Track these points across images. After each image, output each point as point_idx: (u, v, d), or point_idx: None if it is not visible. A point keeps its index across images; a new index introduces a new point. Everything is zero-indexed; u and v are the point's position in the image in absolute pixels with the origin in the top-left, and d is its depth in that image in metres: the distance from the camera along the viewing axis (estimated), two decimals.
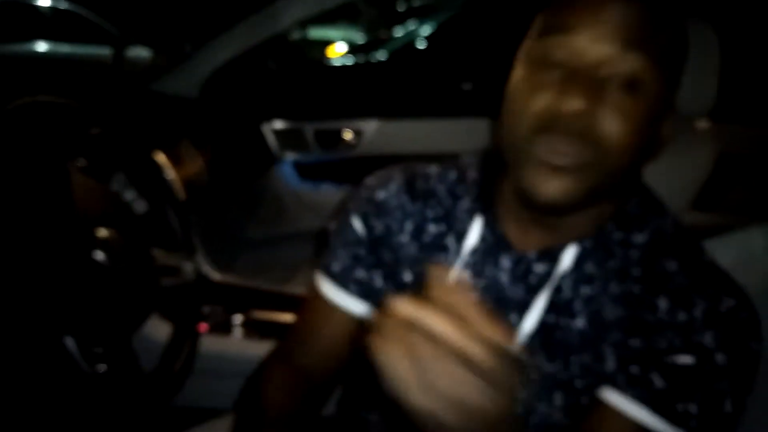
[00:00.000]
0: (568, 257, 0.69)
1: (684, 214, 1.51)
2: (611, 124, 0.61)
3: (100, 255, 1.05)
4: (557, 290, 0.70)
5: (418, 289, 0.70)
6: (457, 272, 0.74)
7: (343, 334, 0.82)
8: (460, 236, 0.76)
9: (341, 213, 0.85)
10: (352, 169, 2.20)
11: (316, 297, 0.84)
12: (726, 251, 1.00)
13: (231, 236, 1.99)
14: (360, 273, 0.81)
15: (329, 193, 2.17)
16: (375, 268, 0.81)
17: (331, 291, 0.83)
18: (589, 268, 0.69)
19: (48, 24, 6.31)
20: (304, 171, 2.23)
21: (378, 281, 0.81)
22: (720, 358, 0.64)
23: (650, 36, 0.62)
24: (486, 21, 3.49)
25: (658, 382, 0.65)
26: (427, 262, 0.73)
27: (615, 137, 0.62)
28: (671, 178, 1.43)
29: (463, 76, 2.45)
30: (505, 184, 0.74)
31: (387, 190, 0.81)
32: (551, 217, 0.69)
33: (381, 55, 4.23)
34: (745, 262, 0.97)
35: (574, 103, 0.61)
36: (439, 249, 0.77)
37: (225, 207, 1.93)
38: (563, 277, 0.70)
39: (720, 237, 1.02)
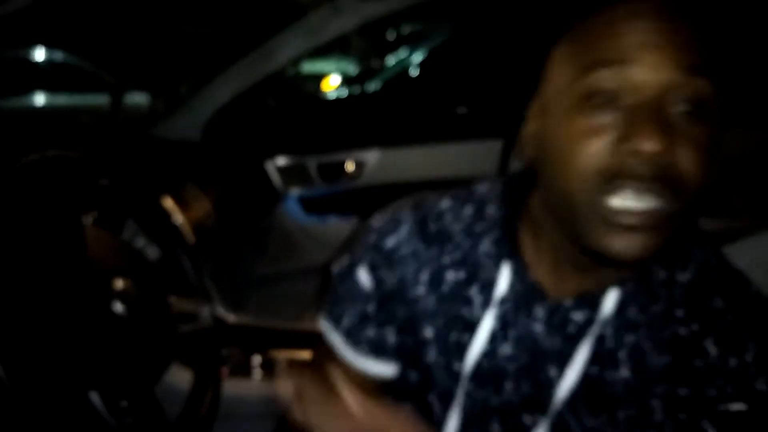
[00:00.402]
0: (609, 303, 0.63)
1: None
2: (690, 161, 0.54)
3: (118, 306, 1.05)
4: (599, 340, 0.63)
5: (441, 345, 0.69)
6: (488, 324, 0.67)
7: (361, 390, 0.72)
8: (486, 286, 0.68)
9: (346, 260, 0.77)
10: (357, 200, 2.21)
11: (324, 351, 0.77)
12: (740, 257, 1.00)
13: (241, 276, 1.99)
14: (370, 331, 0.74)
15: (336, 226, 2.17)
16: (387, 323, 0.73)
17: (343, 350, 0.75)
18: (632, 313, 0.63)
19: (44, 76, 6.39)
20: (309, 205, 2.23)
21: (391, 337, 0.73)
22: None
23: (710, 56, 0.56)
24: (476, 45, 3.54)
25: (710, 429, 0.60)
26: (448, 315, 0.69)
27: (693, 174, 0.54)
28: None
29: (457, 100, 2.49)
30: (535, 223, 0.67)
31: (397, 235, 0.73)
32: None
33: (375, 85, 4.28)
34: (760, 266, 0.97)
35: (650, 144, 0.52)
36: (461, 300, 0.69)
37: (233, 247, 1.94)
38: (605, 324, 0.63)
39: (734, 243, 1.02)
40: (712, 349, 0.61)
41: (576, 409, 0.64)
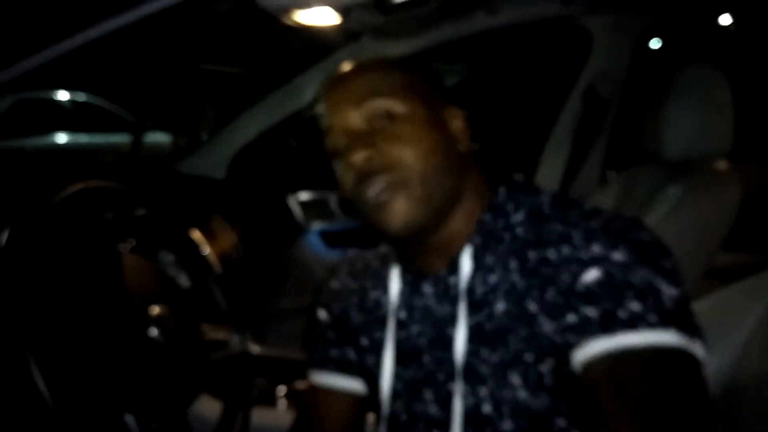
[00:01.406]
0: (466, 261, 0.78)
1: (715, 256, 1.52)
2: (389, 146, 0.76)
3: (154, 332, 1.07)
4: (471, 291, 0.78)
5: (376, 349, 0.87)
6: (395, 316, 0.85)
7: (341, 412, 0.94)
8: (386, 288, 0.87)
9: (311, 311, 1.01)
10: (377, 234, 2.23)
11: (309, 388, 0.97)
12: (758, 292, 1.01)
13: (264, 308, 2.00)
14: (334, 352, 0.95)
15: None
16: (344, 344, 0.94)
17: (316, 376, 0.96)
18: (488, 259, 0.78)
19: (67, 116, 6.55)
20: (330, 239, 2.26)
21: (351, 354, 0.93)
22: (617, 255, 0.69)
23: (372, 85, 0.79)
24: (491, 84, 3.62)
25: (591, 312, 0.68)
26: (371, 321, 0.89)
27: (396, 153, 0.76)
28: (700, 221, 1.46)
29: (472, 137, 2.53)
30: None
31: (338, 279, 0.97)
32: (434, 236, 0.79)
33: None
34: None
35: (357, 155, 0.76)
36: (376, 308, 0.88)
37: (257, 280, 1.96)
38: (470, 277, 0.78)
39: (753, 276, 1.03)
40: (551, 253, 0.74)
41: (476, 353, 0.76)
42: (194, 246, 1.40)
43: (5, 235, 0.96)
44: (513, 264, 0.76)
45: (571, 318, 0.70)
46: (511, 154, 2.25)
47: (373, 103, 0.78)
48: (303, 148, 2.67)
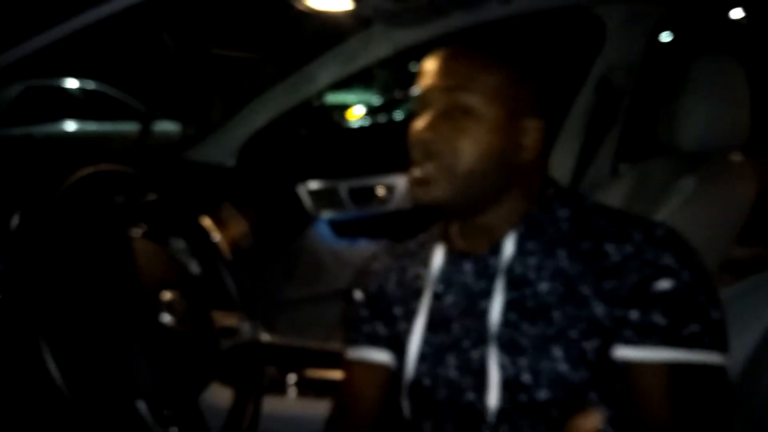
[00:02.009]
0: (509, 244, 0.84)
1: (729, 250, 1.50)
2: (446, 142, 0.81)
3: (166, 317, 1.06)
4: (510, 271, 0.84)
5: (405, 313, 0.93)
6: (432, 287, 0.91)
7: (374, 384, 0.98)
8: (427, 264, 0.93)
9: (348, 295, 1.04)
10: (387, 223, 2.23)
11: (346, 365, 1.01)
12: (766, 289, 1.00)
13: (273, 296, 2.00)
14: (366, 327, 0.99)
15: (366, 250, 2.19)
16: (375, 319, 0.98)
17: (351, 352, 1.00)
18: (530, 245, 0.84)
19: (76, 104, 6.55)
20: (339, 228, 2.26)
21: (381, 329, 0.97)
22: (686, 275, 0.76)
23: (467, 78, 0.81)
24: None
25: (660, 320, 0.75)
26: (407, 292, 0.94)
27: (451, 149, 0.81)
28: (714, 214, 1.44)
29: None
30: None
31: (377, 260, 1.03)
32: (479, 220, 0.86)
33: (400, 114, 4.33)
34: None
35: (417, 127, 0.83)
36: (415, 280, 0.94)
37: (267, 268, 1.96)
38: (511, 259, 0.84)
39: (759, 275, 1.02)
40: (610, 248, 0.79)
41: (514, 326, 0.81)
42: (205, 233, 1.39)
43: (16, 220, 0.96)
44: (560, 252, 0.82)
45: (634, 315, 0.76)
46: None
47: (455, 94, 0.82)
48: (313, 137, 2.67)
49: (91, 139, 6.18)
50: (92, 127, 6.45)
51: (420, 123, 0.83)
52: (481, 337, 0.84)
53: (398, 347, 0.94)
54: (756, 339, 0.95)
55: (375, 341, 0.98)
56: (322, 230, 2.24)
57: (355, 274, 1.04)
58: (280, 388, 1.46)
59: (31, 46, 1.02)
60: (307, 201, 2.19)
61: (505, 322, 0.82)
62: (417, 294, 0.93)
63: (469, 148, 0.81)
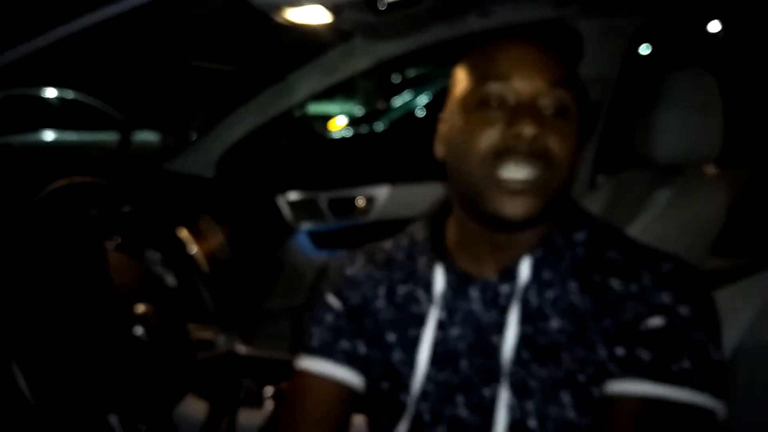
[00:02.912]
0: (524, 270, 0.77)
1: (703, 260, 1.52)
2: (557, 144, 0.72)
3: (139, 330, 1.05)
4: (525, 302, 0.77)
5: (402, 343, 0.82)
6: (435, 315, 0.81)
7: (334, 403, 0.85)
8: (427, 285, 0.83)
9: (315, 295, 0.91)
10: (367, 234, 2.22)
11: (299, 376, 0.87)
12: (746, 297, 1.01)
13: (252, 308, 1.99)
14: (344, 343, 0.86)
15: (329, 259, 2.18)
16: (357, 336, 0.86)
17: (315, 364, 0.86)
18: (547, 274, 0.77)
19: (54, 114, 6.49)
20: (319, 239, 2.25)
21: (362, 348, 0.86)
22: (684, 310, 0.71)
23: (566, 74, 0.75)
24: None
25: (645, 355, 0.71)
26: (404, 318, 0.83)
27: (561, 155, 0.73)
28: (689, 225, 1.46)
29: None
30: (454, 227, 0.84)
31: (354, 265, 0.89)
32: (504, 237, 0.77)
33: (383, 125, 4.36)
34: (755, 306, 0.96)
35: (528, 129, 0.71)
36: (412, 303, 0.83)
37: (245, 280, 1.94)
38: (526, 288, 0.77)
39: (739, 282, 1.03)
40: (616, 284, 0.75)
41: (525, 365, 0.75)
42: (181, 245, 1.38)
43: None
44: (572, 284, 0.76)
45: (620, 351, 0.72)
46: None
47: (562, 91, 0.73)
48: (293, 147, 2.66)
49: (70, 149, 6.12)
50: (71, 137, 6.38)
51: (525, 121, 0.71)
52: (492, 375, 0.77)
53: (394, 375, 0.84)
54: (733, 346, 0.95)
55: (351, 360, 0.86)
56: (302, 241, 2.23)
57: (326, 275, 0.91)
58: (257, 401, 1.45)
59: (12, 56, 1.01)
60: (286, 212, 2.19)
61: (518, 359, 0.76)
62: (416, 320, 0.82)
63: (569, 154, 0.73)
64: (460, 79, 0.80)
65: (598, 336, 0.73)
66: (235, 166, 2.09)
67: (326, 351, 0.86)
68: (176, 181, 2.00)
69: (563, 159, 0.73)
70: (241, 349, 1.56)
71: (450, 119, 0.80)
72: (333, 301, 0.88)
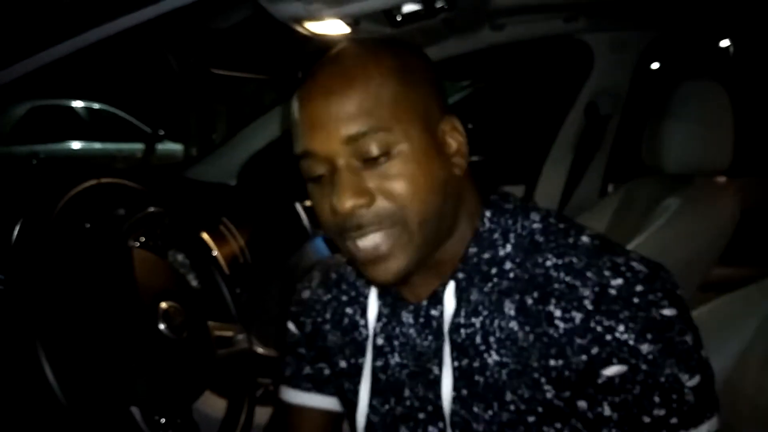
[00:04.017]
0: (449, 296, 0.70)
1: (712, 270, 1.54)
2: (390, 190, 0.64)
3: (162, 326, 1.09)
4: (454, 331, 0.69)
5: (350, 370, 0.80)
6: (372, 341, 0.76)
7: (313, 429, 0.88)
8: (364, 308, 0.79)
9: (282, 323, 0.92)
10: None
11: (281, 405, 0.90)
12: (752, 303, 1.01)
13: (268, 313, 2.03)
14: (308, 369, 0.87)
15: None
16: (319, 361, 0.86)
17: (289, 394, 0.89)
18: (473, 295, 0.69)
19: (82, 124, 6.63)
20: (335, 245, 2.29)
21: (326, 370, 0.86)
22: (646, 348, 0.61)
23: (368, 112, 0.64)
24: (490, 101, 3.68)
25: (610, 412, 0.63)
26: (349, 344, 0.80)
27: (402, 193, 0.64)
28: (697, 234, 1.48)
29: (472, 151, 2.59)
30: None
31: (309, 288, 0.88)
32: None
33: None
34: (755, 314, 0.96)
35: (343, 204, 0.64)
36: (355, 328, 0.80)
37: (263, 284, 1.99)
38: (453, 316, 0.69)
39: (744, 288, 1.03)
40: (556, 312, 0.64)
41: (466, 405, 0.68)
42: (204, 247, 1.43)
43: (17, 230, 0.99)
44: (509, 307, 0.67)
45: (581, 404, 0.64)
46: (513, 167, 2.29)
47: (368, 139, 0.64)
48: None
49: (95, 158, 6.25)
50: (97, 146, 6.52)
51: (340, 196, 0.64)
52: (437, 412, 0.71)
53: (346, 402, 0.83)
54: (739, 352, 0.95)
55: (321, 386, 0.87)
56: (318, 247, 2.27)
57: (287, 300, 0.92)
58: (274, 400, 1.48)
59: (36, 62, 1.05)
60: (304, 217, 2.23)
61: (458, 398, 0.69)
62: (358, 347, 0.79)
63: (411, 195, 0.65)
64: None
65: (545, 375, 0.65)
66: (255, 174, 2.14)
67: (294, 380, 0.88)
68: (198, 187, 2.06)
69: (403, 199, 0.64)
70: (259, 349, 1.60)
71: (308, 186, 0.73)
72: (292, 327, 0.89)
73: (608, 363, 0.62)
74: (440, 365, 0.70)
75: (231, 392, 1.28)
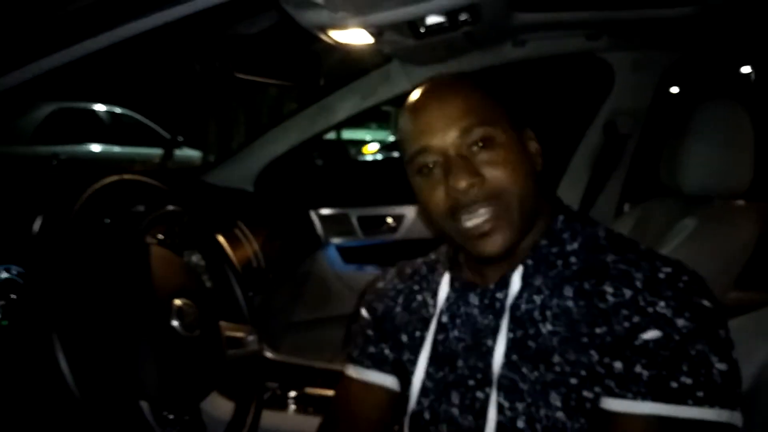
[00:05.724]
0: (516, 279, 0.83)
1: (727, 293, 1.52)
2: (495, 173, 0.80)
3: (175, 323, 1.10)
4: (515, 308, 0.82)
5: (410, 343, 0.93)
6: (438, 318, 0.90)
7: (373, 405, 0.98)
8: (435, 292, 0.93)
9: (355, 311, 1.06)
10: (393, 252, 2.27)
11: (344, 381, 1.02)
12: (759, 326, 0.99)
13: (280, 316, 2.04)
14: (371, 349, 1.00)
15: (372, 276, 2.23)
16: (382, 341, 0.99)
17: (353, 371, 1.01)
18: (537, 280, 0.82)
19: (103, 128, 6.73)
20: (347, 254, 2.31)
21: (387, 351, 0.98)
22: (681, 321, 0.70)
23: (473, 111, 0.81)
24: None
25: (642, 372, 0.70)
26: (414, 320, 0.94)
27: (503, 179, 0.80)
28: (713, 256, 1.46)
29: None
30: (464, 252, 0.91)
31: (384, 280, 1.04)
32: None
33: None
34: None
35: (460, 183, 0.79)
36: (421, 307, 0.94)
37: (275, 288, 2.00)
38: (517, 296, 0.82)
39: (759, 311, 1.02)
40: (609, 288, 0.76)
41: (515, 368, 0.79)
42: (219, 248, 1.44)
43: (38, 223, 1.00)
44: (568, 290, 0.79)
45: (617, 365, 0.72)
46: None
47: (476, 130, 0.80)
48: (328, 167, 2.74)
49: (114, 161, 6.33)
50: (116, 149, 6.61)
51: (455, 178, 0.79)
52: (486, 378, 0.82)
53: (402, 375, 0.94)
54: (751, 376, 0.92)
55: (380, 364, 0.98)
56: (331, 255, 2.29)
57: (362, 292, 1.06)
58: (281, 404, 1.49)
59: (55, 61, 1.06)
60: (318, 226, 2.25)
61: (508, 363, 0.80)
62: (424, 322, 0.92)
63: (512, 178, 0.80)
64: (400, 143, 0.88)
65: (591, 342, 0.74)
66: (272, 181, 2.16)
67: (358, 358, 1.01)
68: (215, 191, 2.08)
69: (506, 181, 0.80)
70: (269, 353, 1.61)
71: (409, 176, 0.87)
72: (364, 313, 1.03)
73: (646, 329, 0.71)
74: (494, 337, 0.82)
75: (238, 394, 1.28)
